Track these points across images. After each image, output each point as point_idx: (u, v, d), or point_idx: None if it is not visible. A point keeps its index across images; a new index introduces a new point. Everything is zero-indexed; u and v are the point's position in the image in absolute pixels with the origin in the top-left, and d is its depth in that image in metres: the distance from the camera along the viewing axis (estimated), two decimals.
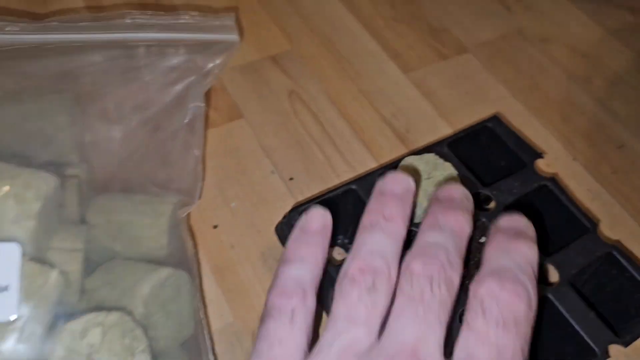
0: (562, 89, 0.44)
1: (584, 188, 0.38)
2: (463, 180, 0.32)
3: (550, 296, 0.28)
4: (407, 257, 0.22)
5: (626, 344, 0.28)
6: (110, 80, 0.31)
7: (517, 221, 0.25)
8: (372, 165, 0.38)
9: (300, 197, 0.36)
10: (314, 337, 0.23)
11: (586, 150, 0.40)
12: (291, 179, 0.36)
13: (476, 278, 0.21)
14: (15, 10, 0.44)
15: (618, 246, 0.31)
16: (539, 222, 0.34)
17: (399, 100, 0.41)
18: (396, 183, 0.24)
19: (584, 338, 0.27)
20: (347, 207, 0.32)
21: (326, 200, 0.32)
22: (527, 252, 0.22)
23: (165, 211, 0.26)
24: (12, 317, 0.19)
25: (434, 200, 0.25)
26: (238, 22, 0.45)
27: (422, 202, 0.30)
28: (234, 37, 0.33)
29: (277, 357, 0.20)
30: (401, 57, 0.44)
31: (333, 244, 0.33)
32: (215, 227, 0.34)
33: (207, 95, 0.40)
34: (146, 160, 0.29)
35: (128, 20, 0.32)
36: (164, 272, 0.23)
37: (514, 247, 0.22)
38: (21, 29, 0.30)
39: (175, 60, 0.31)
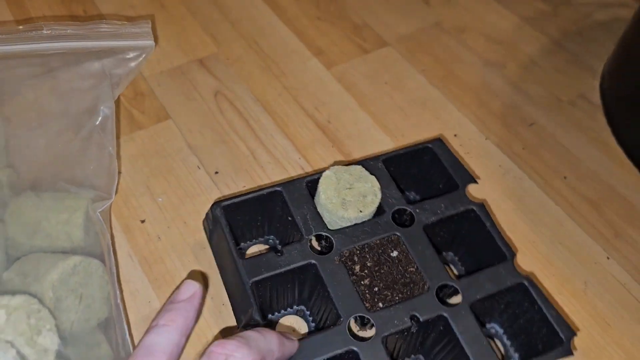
0: (478, 75, 0.46)
1: (495, 164, 0.41)
2: (383, 194, 0.33)
3: (447, 316, 0.29)
4: None
5: None
6: (29, 89, 0.32)
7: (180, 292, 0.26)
8: (295, 156, 0.40)
9: (226, 190, 0.38)
10: None
11: (499, 130, 0.43)
12: (216, 172, 0.38)
13: None
14: None
15: (530, 278, 0.31)
16: (459, 244, 0.35)
17: (321, 95, 0.44)
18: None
19: (467, 355, 0.28)
20: (274, 207, 0.34)
21: (251, 199, 0.33)
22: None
23: (80, 207, 0.28)
24: None
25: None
26: (165, 28, 0.47)
27: (337, 211, 0.31)
28: (149, 42, 0.35)
29: None
30: (324, 53, 0.47)
31: (262, 242, 0.35)
32: (142, 221, 0.35)
33: (135, 100, 0.42)
34: (65, 162, 0.31)
35: (45, 31, 0.34)
36: (72, 260, 0.25)
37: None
38: None
39: (90, 67, 0.33)
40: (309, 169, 0.39)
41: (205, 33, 0.47)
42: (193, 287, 0.26)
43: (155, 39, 0.40)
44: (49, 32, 0.34)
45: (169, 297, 0.27)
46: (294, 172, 0.39)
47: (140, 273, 0.33)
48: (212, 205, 0.32)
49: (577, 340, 0.33)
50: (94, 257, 0.27)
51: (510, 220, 0.38)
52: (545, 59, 0.48)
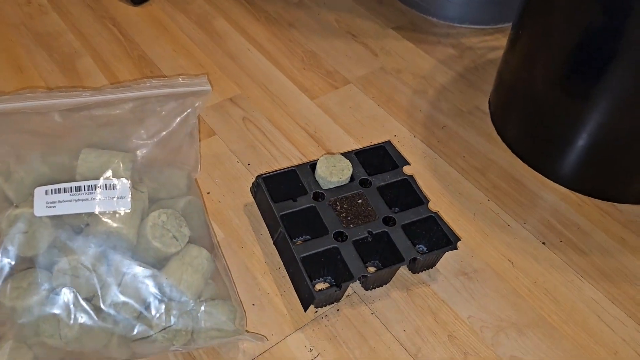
0: (408, 99, 0.72)
1: (420, 151, 0.65)
2: (354, 171, 0.57)
3: (388, 231, 0.52)
4: None
5: (424, 258, 0.53)
6: (147, 118, 0.56)
7: None
8: (295, 153, 0.64)
9: (256, 174, 0.61)
10: None
11: (422, 131, 0.68)
12: (249, 164, 0.62)
13: None
14: (62, 85, 0.70)
15: (437, 213, 0.55)
16: (398, 197, 0.59)
17: (309, 116, 0.68)
18: None
19: (400, 253, 0.51)
20: (293, 179, 0.57)
21: (279, 173, 0.56)
22: None
23: (184, 175, 0.51)
24: (128, 210, 0.43)
25: None
26: (209, 80, 0.72)
27: (327, 177, 0.55)
28: (207, 88, 0.59)
29: None
30: (309, 90, 0.72)
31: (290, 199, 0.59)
32: (208, 193, 0.59)
33: None
34: (173, 154, 0.54)
35: (147, 84, 0.58)
36: (189, 197, 0.48)
37: None
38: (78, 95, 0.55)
39: (181, 102, 0.57)
40: (305, 159, 0.63)
41: (232, 81, 0.72)
42: None
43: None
44: (149, 84, 0.58)
45: None
46: (296, 161, 0.63)
47: (211, 220, 0.56)
48: (257, 177, 0.56)
49: (468, 243, 0.57)
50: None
51: (429, 183, 0.62)
52: (453, 85, 0.74)
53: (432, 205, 0.59)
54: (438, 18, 0.84)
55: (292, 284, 0.52)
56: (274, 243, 0.55)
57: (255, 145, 0.64)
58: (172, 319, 0.42)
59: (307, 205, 0.54)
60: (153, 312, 0.42)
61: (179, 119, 0.55)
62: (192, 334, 0.44)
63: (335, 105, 0.70)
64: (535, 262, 0.56)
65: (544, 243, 0.58)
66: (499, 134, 0.68)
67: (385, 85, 0.73)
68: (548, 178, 0.64)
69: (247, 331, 0.48)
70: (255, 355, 0.48)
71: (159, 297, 0.43)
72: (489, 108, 0.71)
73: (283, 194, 0.56)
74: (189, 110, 0.55)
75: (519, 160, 0.65)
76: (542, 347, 0.50)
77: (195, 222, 0.48)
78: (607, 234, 0.59)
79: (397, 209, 0.59)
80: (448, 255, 0.56)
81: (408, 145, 0.66)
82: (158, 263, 0.45)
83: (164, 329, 0.42)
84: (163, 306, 0.43)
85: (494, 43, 0.81)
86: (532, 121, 0.64)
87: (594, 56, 0.55)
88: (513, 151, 0.66)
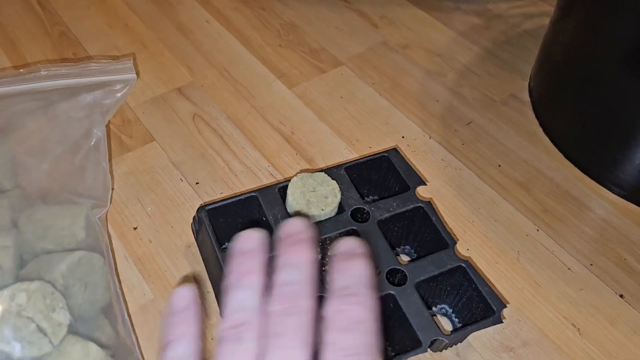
0: (420, 84, 0.53)
1: (438, 159, 0.47)
2: (344, 196, 0.38)
3: (395, 294, 0.34)
4: (266, 301, 0.25)
5: (451, 339, 0.34)
6: (32, 121, 0.38)
7: (351, 244, 0.28)
8: (264, 165, 0.46)
9: (206, 197, 0.43)
10: None
11: (440, 129, 0.49)
12: (197, 183, 0.44)
13: (326, 301, 0.25)
14: None
15: (468, 261, 0.36)
16: (409, 235, 0.41)
17: (285, 111, 0.50)
18: (245, 241, 0.27)
19: (415, 331, 0.33)
20: (252, 210, 0.39)
21: (231, 203, 0.38)
22: (360, 269, 0.26)
23: (81, 213, 0.33)
24: None
25: (277, 240, 0.28)
26: (147, 62, 0.53)
27: (303, 207, 0.37)
28: (132, 75, 0.41)
29: None
30: (286, 76, 0.53)
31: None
32: (135, 228, 0.41)
33: (123, 125, 0.48)
34: (67, 178, 0.36)
35: (43, 72, 0.40)
36: (77, 254, 0.31)
37: (350, 267, 0.26)
38: None
39: (83, 100, 0.39)
40: (277, 175, 0.45)
41: (182, 65, 0.54)
42: (187, 294, 0.26)
43: (138, 73, 0.47)
44: (46, 72, 0.40)
45: (168, 306, 0.26)
46: (264, 178, 0.45)
47: (135, 271, 0.39)
48: (198, 209, 0.38)
49: (512, 299, 0.39)
50: (94, 252, 0.33)
51: (451, 205, 0.44)
52: (479, 66, 0.55)
53: (461, 238, 0.41)
54: None
55: None
56: (220, 314, 0.37)
57: (208, 155, 0.46)
58: None
59: (271, 255, 0.35)
60: None
61: (83, 125, 0.37)
62: None
63: (322, 95, 0.52)
64: (612, 326, 0.38)
65: (621, 296, 0.40)
66: (545, 132, 0.50)
67: (389, 67, 0.55)
68: (619, 195, 0.46)
69: None
70: None
71: None
72: (530, 96, 0.53)
73: (236, 233, 0.39)
74: (96, 112, 0.37)
75: (575, 169, 0.47)
76: None
77: (89, 292, 0.31)
78: None
79: (407, 247, 0.41)
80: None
81: (421, 150, 0.48)
82: None
83: None
84: None
85: (530, 9, 0.62)
86: (595, 114, 0.45)
87: None
88: (567, 156, 0.48)
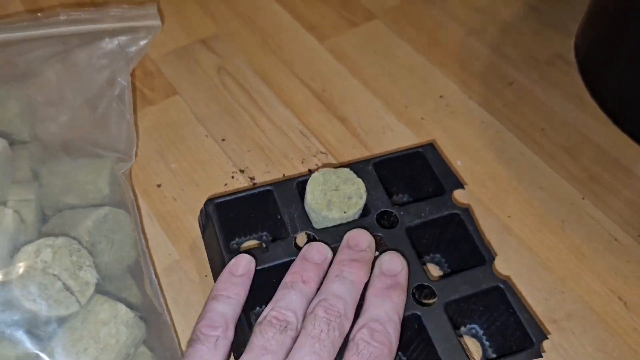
0: (459, 40, 0.50)
1: (477, 120, 0.44)
2: (370, 197, 0.34)
3: (420, 314, 0.30)
4: (314, 302, 0.28)
5: None
6: (50, 68, 0.36)
7: (395, 264, 0.30)
8: (294, 122, 0.43)
9: (233, 155, 0.41)
10: None
11: (480, 90, 0.46)
12: (223, 140, 0.42)
13: (357, 323, 0.27)
14: None
15: (507, 281, 0.32)
16: (441, 246, 0.36)
17: (315, 66, 0.47)
18: (317, 253, 0.30)
19: (440, 358, 0.29)
20: (266, 206, 0.35)
21: (243, 197, 0.34)
22: (396, 301, 0.28)
23: (105, 167, 0.31)
24: None
25: (344, 245, 0.30)
26: (168, 12, 0.50)
27: (322, 211, 0.33)
28: (156, 22, 0.38)
29: None
30: (316, 28, 0.50)
31: (256, 238, 0.36)
32: (159, 185, 0.39)
33: (145, 78, 0.45)
34: (89, 131, 0.34)
35: (62, 17, 0.37)
36: (104, 209, 0.29)
37: (388, 297, 0.28)
38: None
39: (105, 47, 0.36)
40: (308, 134, 0.43)
41: (205, 14, 0.51)
42: (247, 264, 0.29)
43: (161, 22, 0.44)
44: (64, 17, 0.37)
45: (227, 267, 0.29)
46: (294, 137, 0.42)
47: (159, 230, 0.37)
48: (205, 202, 0.34)
49: (556, 270, 0.37)
50: (119, 208, 0.31)
51: (492, 172, 0.41)
52: (523, 23, 0.52)
53: (502, 205, 0.39)
54: None
55: None
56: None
57: (234, 110, 0.44)
58: None
59: (284, 261, 0.31)
60: None
61: (105, 74, 0.35)
62: None
63: (355, 50, 0.48)
64: None
65: None
66: (592, 95, 0.47)
67: (427, 21, 0.51)
68: None
69: None
70: None
71: None
72: (576, 56, 0.49)
73: (248, 231, 0.36)
74: (120, 61, 0.35)
75: (624, 135, 0.44)
76: None
77: (115, 250, 0.29)
78: None
79: (437, 255, 0.37)
80: (527, 290, 0.36)
81: (460, 111, 0.45)
82: (37, 334, 0.26)
83: None
84: None
85: None
86: None
87: None
88: (615, 122, 0.45)
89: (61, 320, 0.25)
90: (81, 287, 0.25)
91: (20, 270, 0.25)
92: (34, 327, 0.24)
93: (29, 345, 0.24)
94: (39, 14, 0.38)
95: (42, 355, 0.24)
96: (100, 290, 0.27)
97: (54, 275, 0.25)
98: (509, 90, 0.46)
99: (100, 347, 0.25)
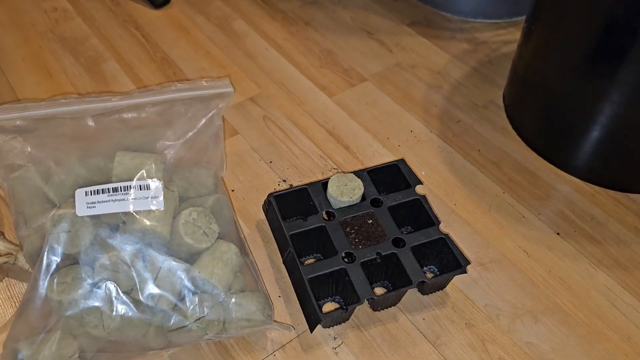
0: (424, 94, 0.73)
1: (435, 146, 0.67)
2: (366, 190, 0.56)
3: (397, 253, 0.51)
4: None
5: (432, 281, 0.52)
6: (176, 119, 0.59)
7: None
8: (315, 150, 0.66)
9: (278, 171, 0.64)
10: None
11: (438, 126, 0.69)
12: (271, 162, 0.65)
13: None
14: (90, 88, 0.73)
15: (448, 235, 0.54)
16: (409, 218, 0.59)
17: (327, 113, 0.71)
18: None
19: (407, 274, 0.51)
20: (304, 197, 0.57)
21: (290, 192, 0.56)
22: None
23: (210, 174, 0.54)
24: (162, 209, 0.46)
25: None
26: (231, 81, 0.74)
27: (337, 197, 0.55)
28: (230, 89, 0.61)
29: None
30: (327, 88, 0.74)
31: (302, 217, 0.59)
32: (233, 190, 0.62)
33: None
34: (200, 154, 0.57)
35: (173, 87, 0.61)
36: (216, 196, 0.51)
37: None
38: (117, 99, 0.58)
39: (199, 105, 0.59)
40: (325, 157, 0.65)
41: (251, 81, 0.74)
42: None
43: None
44: (174, 87, 0.61)
45: None
46: (315, 158, 0.65)
47: (236, 217, 0.59)
48: (268, 195, 0.57)
49: (485, 235, 0.59)
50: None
51: (445, 177, 0.64)
52: (467, 80, 0.75)
53: (449, 197, 0.61)
54: (452, 13, 0.85)
55: (300, 304, 0.53)
56: (284, 262, 0.56)
57: (276, 143, 0.67)
58: (205, 310, 0.45)
59: (317, 225, 0.54)
60: (187, 303, 0.45)
61: (204, 120, 0.57)
62: (224, 324, 0.47)
63: (353, 102, 0.72)
64: (550, 252, 0.58)
65: (558, 234, 0.59)
66: (513, 127, 0.70)
67: (401, 81, 0.75)
68: (562, 170, 0.65)
69: (274, 321, 0.51)
70: (283, 344, 0.50)
71: (192, 289, 0.46)
72: (504, 102, 0.73)
73: (294, 212, 0.57)
74: (213, 112, 0.57)
75: (533, 153, 0.67)
76: (556, 334, 0.52)
77: (223, 219, 0.51)
78: (621, 224, 0.60)
79: (409, 227, 0.59)
80: (466, 247, 0.58)
81: (424, 140, 0.68)
82: (190, 258, 0.48)
83: (198, 319, 0.45)
84: (196, 298, 0.45)
85: (507, 37, 0.82)
86: (547, 113, 0.65)
87: (608, 47, 0.56)
88: (528, 144, 0.68)
89: (201, 251, 0.47)
90: (212, 233, 0.47)
91: (182, 222, 0.47)
92: (191, 254, 0.46)
93: (186, 263, 0.46)
94: (155, 87, 0.62)
95: (192, 267, 0.46)
96: (219, 236, 0.49)
97: (198, 226, 0.47)
98: (457, 126, 0.69)
99: (221, 265, 0.47)
